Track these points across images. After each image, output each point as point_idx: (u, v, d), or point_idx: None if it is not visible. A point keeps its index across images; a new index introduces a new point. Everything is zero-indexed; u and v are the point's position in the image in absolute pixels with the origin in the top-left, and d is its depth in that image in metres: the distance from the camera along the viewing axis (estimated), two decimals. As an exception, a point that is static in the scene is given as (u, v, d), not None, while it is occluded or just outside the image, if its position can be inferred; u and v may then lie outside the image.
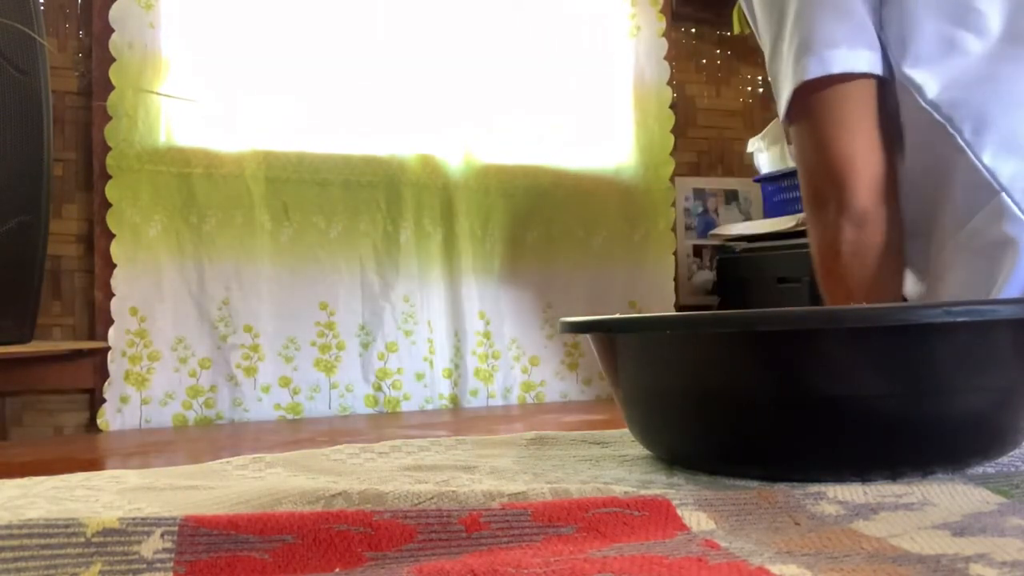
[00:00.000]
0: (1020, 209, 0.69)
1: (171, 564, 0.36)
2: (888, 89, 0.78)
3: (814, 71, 0.75)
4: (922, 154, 0.77)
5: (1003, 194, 0.70)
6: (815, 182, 0.80)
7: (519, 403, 1.82)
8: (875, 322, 0.46)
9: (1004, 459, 0.53)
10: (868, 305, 0.49)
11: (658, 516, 0.41)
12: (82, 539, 0.36)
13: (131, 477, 0.58)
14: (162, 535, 0.37)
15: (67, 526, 0.37)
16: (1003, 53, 0.73)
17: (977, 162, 0.71)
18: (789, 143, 0.84)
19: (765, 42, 0.83)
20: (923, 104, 0.74)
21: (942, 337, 0.46)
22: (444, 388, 1.81)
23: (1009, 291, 0.69)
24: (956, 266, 0.74)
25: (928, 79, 0.74)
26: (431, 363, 1.82)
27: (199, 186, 1.70)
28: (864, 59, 0.76)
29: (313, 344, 1.76)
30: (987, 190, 0.71)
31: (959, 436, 0.49)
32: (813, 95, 0.77)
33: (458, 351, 1.85)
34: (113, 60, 1.64)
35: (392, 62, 1.95)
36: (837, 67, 0.75)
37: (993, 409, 0.49)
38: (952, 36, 0.74)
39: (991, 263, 0.70)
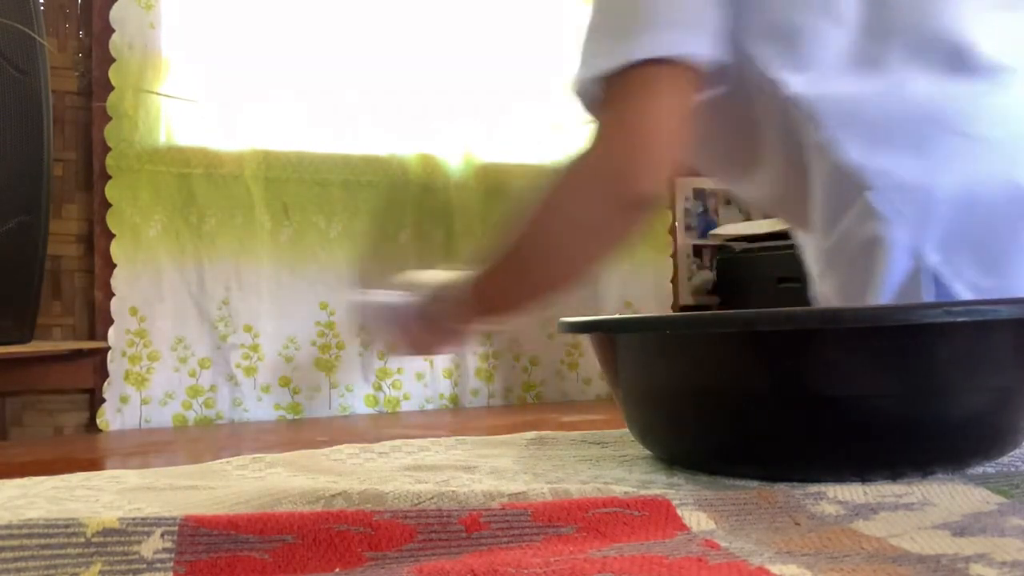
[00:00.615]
0: (888, 207, 0.66)
1: (171, 564, 0.36)
2: (736, 78, 0.73)
3: (649, 49, 0.68)
4: (784, 150, 0.73)
5: (870, 192, 0.67)
6: (611, 152, 0.73)
7: (519, 403, 1.82)
8: (875, 322, 0.46)
9: (1004, 459, 0.53)
10: (871, 306, 0.49)
11: (658, 516, 0.41)
12: (82, 539, 0.36)
13: (131, 477, 0.58)
14: (162, 535, 0.37)
15: (67, 526, 0.37)
16: (864, 44, 0.70)
17: (842, 159, 0.68)
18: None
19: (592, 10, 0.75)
20: (784, 98, 0.70)
21: (942, 337, 0.46)
22: (445, 388, 1.81)
23: (884, 293, 0.66)
24: (833, 268, 0.72)
25: (788, 73, 0.70)
26: (431, 363, 1.82)
27: (199, 186, 1.70)
28: (689, 43, 0.69)
29: (313, 344, 1.76)
30: (853, 189, 0.68)
31: (959, 436, 0.49)
32: (626, 76, 0.70)
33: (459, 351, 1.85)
34: (113, 60, 1.64)
35: (392, 62, 1.95)
36: (658, 51, 0.68)
37: (993, 409, 0.49)
38: (810, 26, 0.70)
39: (865, 264, 0.67)
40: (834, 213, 0.70)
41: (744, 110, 0.75)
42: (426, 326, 0.80)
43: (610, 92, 0.72)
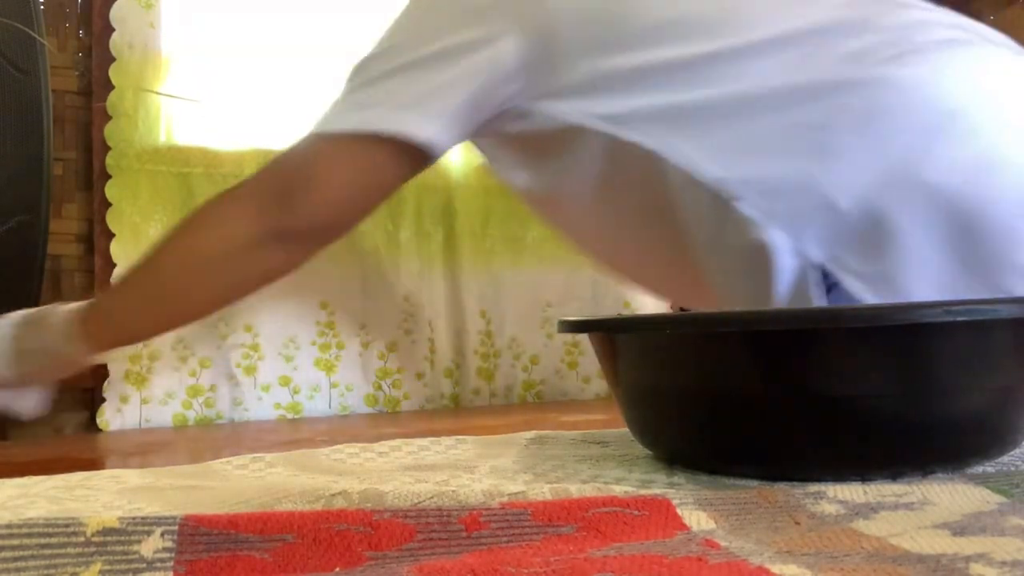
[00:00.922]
0: (758, 212, 0.67)
1: (171, 563, 0.36)
2: (574, 145, 0.75)
3: (369, 124, 0.74)
4: (637, 189, 0.74)
5: (736, 202, 0.68)
6: (276, 179, 0.77)
7: (519, 402, 1.82)
8: (875, 322, 0.46)
9: (1004, 459, 0.53)
10: (871, 305, 0.49)
11: (658, 515, 0.41)
12: (82, 538, 0.36)
13: (131, 477, 0.58)
14: (162, 534, 0.37)
15: (67, 526, 0.37)
16: (700, 70, 0.71)
17: (704, 179, 0.69)
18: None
19: (381, 46, 0.79)
20: (627, 140, 0.72)
21: (942, 337, 0.46)
22: (445, 387, 1.81)
23: (780, 295, 0.67)
24: (732, 287, 0.72)
25: (627, 116, 0.72)
26: (431, 362, 1.82)
27: (199, 186, 1.70)
28: (438, 131, 0.74)
29: (313, 343, 1.76)
30: (722, 204, 0.69)
31: (959, 436, 0.49)
32: (350, 136, 0.75)
33: (459, 350, 1.85)
34: (113, 60, 1.64)
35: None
36: (422, 134, 0.73)
37: (993, 409, 0.49)
38: (641, 70, 0.72)
39: (757, 272, 0.68)
40: (714, 233, 0.70)
41: (596, 168, 0.76)
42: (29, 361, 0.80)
43: (322, 142, 0.77)
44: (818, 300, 0.65)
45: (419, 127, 0.73)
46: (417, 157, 0.75)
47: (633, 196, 0.75)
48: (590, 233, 0.87)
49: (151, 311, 0.80)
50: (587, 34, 0.73)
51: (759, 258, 0.67)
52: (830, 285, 0.67)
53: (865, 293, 0.65)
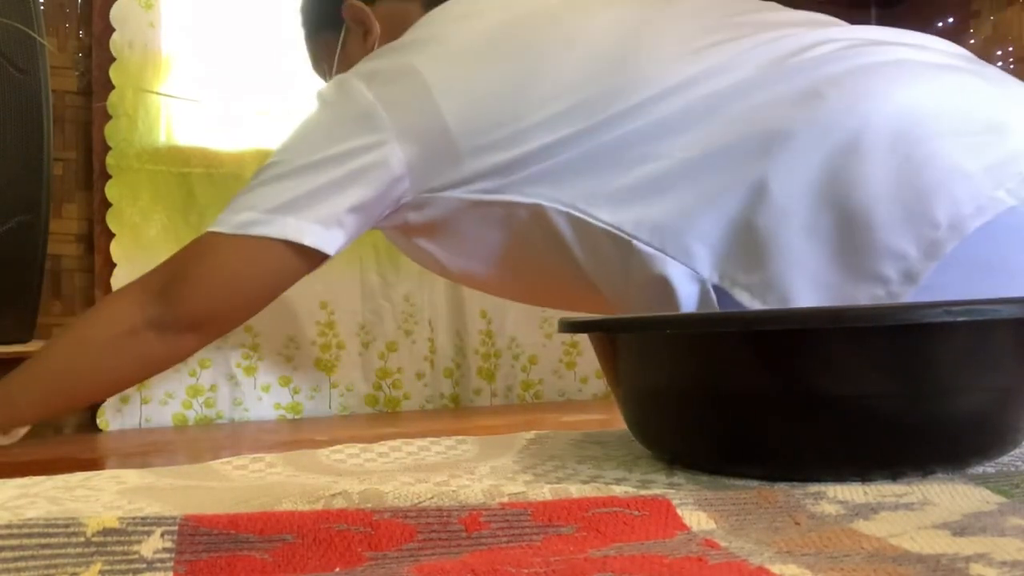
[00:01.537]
0: (654, 247, 0.72)
1: (171, 564, 0.36)
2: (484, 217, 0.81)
3: (250, 228, 0.79)
4: (541, 248, 0.80)
5: (635, 241, 0.73)
6: (161, 274, 0.84)
7: (519, 402, 1.82)
8: (875, 322, 0.46)
9: (1004, 459, 0.53)
10: (871, 305, 0.49)
11: (658, 516, 0.41)
12: (82, 539, 0.36)
13: (131, 477, 0.58)
14: (162, 535, 0.37)
15: (67, 526, 0.37)
16: (554, 125, 0.76)
17: (600, 225, 0.74)
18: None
19: (277, 151, 0.84)
20: (518, 201, 0.78)
21: (942, 337, 0.46)
22: (446, 387, 1.81)
23: None
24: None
25: (515, 181, 0.78)
26: (432, 362, 1.82)
27: (199, 186, 1.70)
28: (326, 238, 0.80)
29: (313, 343, 1.76)
30: (623, 244, 0.73)
31: (959, 436, 0.49)
32: (234, 237, 0.80)
33: (460, 350, 1.85)
34: (113, 59, 1.64)
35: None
36: (305, 239, 0.79)
37: (993, 409, 0.49)
38: (499, 139, 0.78)
39: (666, 302, 0.73)
40: (620, 272, 0.76)
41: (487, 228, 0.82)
42: None
43: (209, 240, 0.82)
44: None
45: (297, 230, 0.79)
46: (303, 255, 0.81)
47: (540, 255, 0.81)
48: (506, 288, 0.98)
49: (45, 393, 0.87)
50: (481, 138, 0.78)
51: (663, 289, 0.72)
52: (724, 301, 0.71)
53: (754, 302, 0.68)
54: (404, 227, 0.87)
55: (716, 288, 0.71)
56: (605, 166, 0.75)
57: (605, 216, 0.74)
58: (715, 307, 0.71)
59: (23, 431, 0.93)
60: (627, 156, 0.75)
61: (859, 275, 0.66)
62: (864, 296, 0.66)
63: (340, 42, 1.00)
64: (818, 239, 0.67)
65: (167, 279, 0.83)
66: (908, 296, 0.64)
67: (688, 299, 0.72)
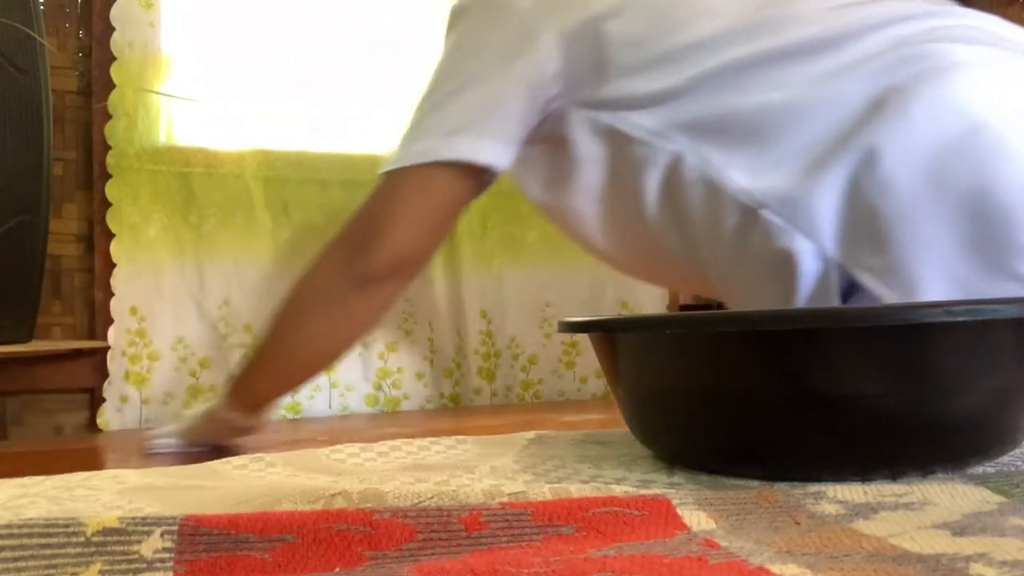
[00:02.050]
0: (783, 219, 0.70)
1: (171, 563, 0.36)
2: (621, 157, 0.78)
3: (446, 153, 0.78)
4: (679, 205, 0.77)
5: (764, 210, 0.70)
6: (354, 229, 0.83)
7: (519, 402, 1.82)
8: (875, 322, 0.46)
9: (1004, 459, 0.53)
10: (871, 306, 0.49)
11: (658, 516, 0.41)
12: (82, 538, 0.36)
13: (131, 477, 0.58)
14: (162, 535, 0.37)
15: (67, 526, 0.37)
16: (725, 87, 0.74)
17: (733, 188, 0.72)
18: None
19: (426, 93, 0.82)
20: (669, 149, 0.75)
21: (942, 337, 0.46)
22: (445, 387, 1.81)
23: (802, 299, 0.69)
24: (759, 292, 0.75)
25: (664, 126, 0.75)
26: (432, 362, 1.82)
27: (199, 185, 1.70)
28: (498, 153, 0.78)
29: (313, 344, 1.76)
30: (750, 212, 0.71)
31: (959, 436, 0.49)
32: (428, 170, 0.79)
33: (460, 350, 1.85)
34: (113, 59, 1.63)
35: (391, 61, 1.95)
36: (480, 158, 0.77)
37: (993, 409, 0.49)
38: (673, 84, 0.75)
39: (784, 275, 0.70)
40: (740, 242, 0.73)
41: (618, 173, 0.79)
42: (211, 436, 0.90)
43: (389, 181, 0.81)
44: (835, 302, 0.67)
45: (473, 150, 0.77)
46: (479, 176, 0.79)
47: (654, 206, 0.78)
48: (604, 241, 0.90)
49: (278, 375, 0.90)
50: (638, 52, 0.76)
51: (784, 264, 0.70)
52: (848, 285, 0.68)
53: (878, 286, 0.66)
54: (532, 150, 0.84)
55: (838, 268, 0.69)
56: (746, 121, 0.73)
57: (740, 179, 0.72)
58: (833, 289, 0.68)
59: (268, 414, 0.94)
60: (769, 112, 0.72)
61: (996, 271, 0.64)
62: (997, 292, 0.63)
63: None
64: (951, 228, 0.65)
65: (359, 234, 0.82)
66: None
67: (808, 276, 0.69)
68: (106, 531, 0.37)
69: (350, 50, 1.92)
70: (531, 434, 0.72)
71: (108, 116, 1.65)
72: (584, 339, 1.79)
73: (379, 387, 1.80)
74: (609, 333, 0.58)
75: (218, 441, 0.89)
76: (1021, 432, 0.51)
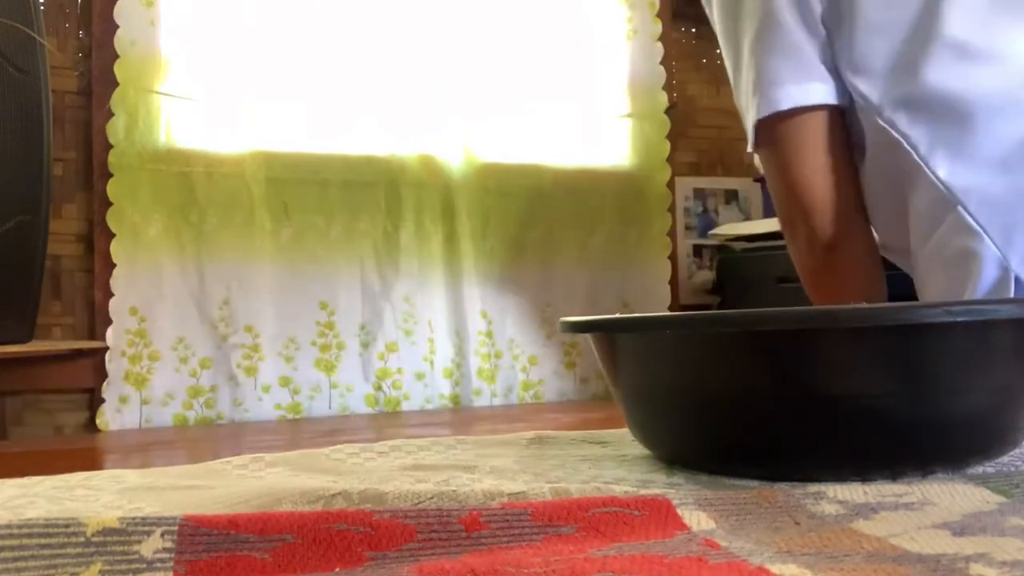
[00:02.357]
0: (975, 221, 0.71)
1: (171, 564, 0.36)
2: (850, 114, 0.80)
3: (764, 110, 0.79)
4: (886, 171, 0.78)
5: (959, 207, 0.71)
6: (784, 209, 0.84)
7: (519, 402, 1.82)
8: (875, 322, 0.46)
9: (1004, 459, 0.53)
10: (867, 305, 0.49)
11: (658, 516, 0.41)
12: (82, 539, 0.36)
13: (131, 477, 0.58)
14: (162, 535, 0.37)
15: (67, 526, 0.37)
16: (951, 67, 0.74)
17: (933, 177, 0.73)
18: (758, 168, 0.87)
19: (728, 70, 0.86)
20: (881, 123, 0.76)
21: (942, 337, 0.46)
22: (445, 388, 1.81)
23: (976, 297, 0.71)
24: (932, 278, 0.76)
25: (883, 98, 0.76)
26: (431, 363, 1.82)
27: (199, 185, 1.70)
28: (814, 92, 0.78)
29: (314, 344, 1.76)
30: (945, 204, 0.72)
31: (959, 436, 0.49)
32: (770, 129, 0.81)
33: (460, 351, 1.85)
34: (114, 58, 1.63)
35: (391, 62, 1.95)
36: (786, 104, 0.78)
37: (993, 409, 0.49)
38: (903, 53, 0.75)
39: (960, 273, 0.72)
40: (931, 226, 0.74)
41: (855, 139, 0.80)
42: None
43: (763, 139, 0.82)
44: None
45: (824, 92, 0.78)
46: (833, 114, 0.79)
47: (880, 168, 0.79)
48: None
49: None
50: (884, 13, 0.76)
51: (965, 262, 0.71)
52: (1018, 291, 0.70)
53: None
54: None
55: (1018, 280, 0.70)
56: (961, 111, 0.73)
57: (945, 170, 0.72)
58: (1010, 295, 0.70)
59: None
60: (986, 107, 0.72)
61: None
62: None
63: None
64: None
65: (797, 211, 0.82)
66: None
67: (986, 282, 0.70)
68: (106, 531, 0.37)
69: (350, 50, 1.92)
70: (531, 434, 0.72)
71: (108, 116, 1.65)
72: (585, 339, 1.79)
73: (379, 387, 1.80)
74: (609, 333, 0.58)
75: None
76: (1021, 432, 0.51)
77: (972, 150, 0.72)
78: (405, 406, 1.77)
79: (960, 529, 0.38)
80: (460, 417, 1.56)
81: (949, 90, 0.73)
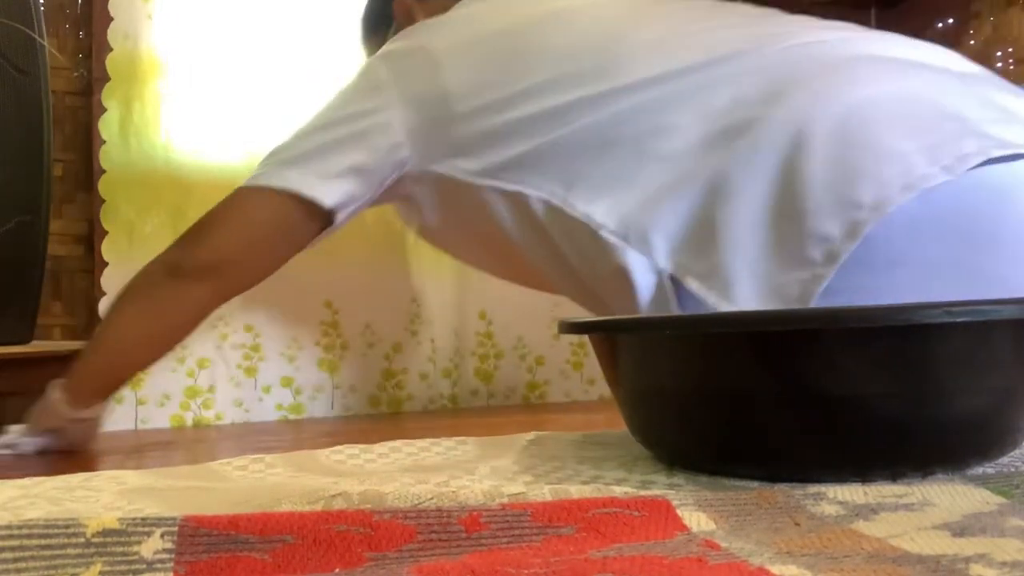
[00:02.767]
0: (618, 237, 0.75)
1: (171, 564, 0.36)
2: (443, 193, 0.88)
3: (260, 180, 0.88)
4: (521, 230, 0.84)
5: (602, 231, 0.76)
6: (189, 229, 0.92)
7: (523, 402, 1.82)
8: (875, 322, 0.46)
9: (1004, 459, 0.53)
10: (871, 306, 0.49)
11: (658, 516, 0.41)
12: (82, 539, 0.36)
13: (131, 477, 0.58)
14: (162, 535, 0.37)
15: (67, 526, 0.37)
16: (558, 110, 0.80)
17: (572, 211, 0.78)
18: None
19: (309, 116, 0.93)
20: (499, 188, 0.82)
21: (942, 337, 0.46)
22: (444, 388, 1.81)
23: (643, 310, 0.75)
24: (607, 304, 0.81)
25: (497, 164, 0.82)
26: (434, 363, 1.82)
27: (196, 182, 1.69)
28: (296, 182, 0.86)
29: (317, 343, 1.76)
30: (592, 234, 0.77)
31: (959, 436, 0.49)
32: (250, 189, 0.88)
33: (458, 351, 1.85)
34: (111, 56, 1.63)
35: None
36: (275, 183, 0.86)
37: (993, 409, 0.49)
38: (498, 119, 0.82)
39: (624, 291, 0.75)
40: (589, 262, 0.79)
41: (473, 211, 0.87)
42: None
43: (233, 195, 0.90)
44: (674, 308, 0.73)
45: (299, 182, 0.86)
46: (308, 210, 0.87)
47: (524, 236, 0.85)
48: (501, 273, 1.06)
49: (101, 359, 0.93)
50: (476, 100, 0.84)
51: (624, 280, 0.75)
52: (680, 291, 0.73)
53: (702, 289, 0.70)
54: (408, 200, 0.94)
55: (672, 278, 0.73)
56: (583, 152, 0.79)
57: (580, 206, 0.78)
58: (671, 298, 0.73)
59: (103, 405, 0.96)
60: (604, 142, 0.78)
61: (790, 262, 0.67)
62: (792, 281, 0.66)
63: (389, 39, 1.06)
64: (760, 230, 0.69)
65: (189, 232, 0.90)
66: (830, 277, 0.65)
67: (645, 290, 0.74)
68: (106, 532, 0.37)
69: (350, 50, 1.92)
70: (531, 435, 0.72)
71: (103, 110, 1.64)
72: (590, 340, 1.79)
73: (383, 388, 1.80)
74: (608, 333, 0.58)
75: (53, 427, 0.93)
76: (1021, 433, 0.51)
77: (595, 178, 0.78)
78: (408, 407, 1.77)
79: (960, 530, 0.38)
80: (461, 418, 1.56)
81: (559, 140, 0.80)
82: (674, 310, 0.72)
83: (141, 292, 0.90)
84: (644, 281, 0.74)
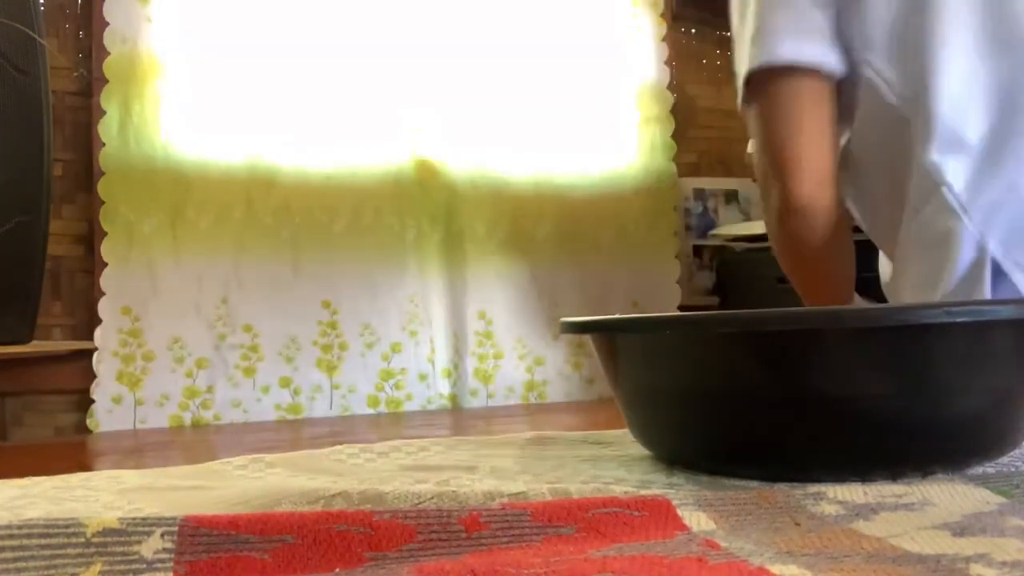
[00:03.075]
0: (958, 203, 0.72)
1: (171, 564, 0.36)
2: (845, 83, 0.80)
3: (759, 58, 0.79)
4: (883, 148, 0.80)
5: (944, 188, 0.73)
6: (762, 168, 0.84)
7: (522, 402, 1.82)
8: (875, 322, 0.46)
9: (1004, 459, 0.53)
10: (867, 305, 0.49)
11: (658, 516, 0.41)
12: (82, 539, 0.36)
13: (131, 477, 0.58)
14: (162, 535, 0.37)
15: (67, 526, 0.37)
16: (956, 52, 0.75)
17: (925, 157, 0.74)
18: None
19: (732, 28, 0.86)
20: (886, 101, 0.77)
21: (942, 337, 0.46)
22: (444, 388, 1.81)
23: (953, 281, 0.72)
24: (913, 257, 0.78)
25: (890, 76, 0.77)
26: (433, 363, 1.82)
27: (196, 182, 1.70)
28: (810, 51, 0.79)
29: (315, 344, 1.76)
30: (933, 185, 0.74)
31: (959, 436, 0.49)
32: (761, 84, 0.80)
33: (457, 351, 1.85)
34: (110, 59, 1.63)
35: (395, 62, 1.95)
36: (782, 56, 0.78)
37: (993, 409, 0.49)
38: (910, 32, 0.77)
39: (940, 254, 0.73)
40: (918, 205, 0.76)
41: (845, 109, 0.81)
42: None
43: (752, 93, 0.82)
44: (987, 293, 0.70)
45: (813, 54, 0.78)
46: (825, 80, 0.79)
47: (873, 146, 0.81)
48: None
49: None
50: None
51: (944, 243, 0.73)
52: (995, 276, 0.71)
53: None
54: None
55: (993, 263, 0.71)
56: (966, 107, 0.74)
57: (933, 153, 0.74)
58: (985, 281, 0.71)
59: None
60: (975, 101, 0.74)
61: None
62: None
63: None
64: None
65: (773, 172, 0.82)
66: None
67: (962, 264, 0.72)
68: (106, 531, 0.37)
69: (350, 49, 1.92)
70: (531, 435, 0.72)
71: (104, 115, 1.64)
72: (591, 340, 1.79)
73: (381, 388, 1.80)
74: (608, 333, 0.58)
75: None
76: (1021, 432, 0.51)
77: (960, 134, 0.74)
78: (407, 406, 1.77)
79: (960, 530, 0.38)
80: (461, 418, 1.56)
81: (948, 73, 0.75)
82: (985, 295, 0.70)
83: (773, 234, 0.85)
84: (967, 255, 0.72)
